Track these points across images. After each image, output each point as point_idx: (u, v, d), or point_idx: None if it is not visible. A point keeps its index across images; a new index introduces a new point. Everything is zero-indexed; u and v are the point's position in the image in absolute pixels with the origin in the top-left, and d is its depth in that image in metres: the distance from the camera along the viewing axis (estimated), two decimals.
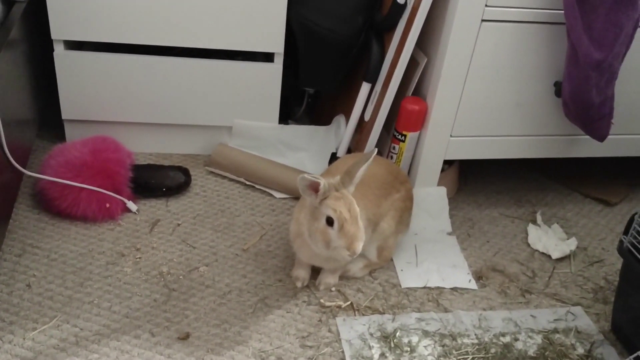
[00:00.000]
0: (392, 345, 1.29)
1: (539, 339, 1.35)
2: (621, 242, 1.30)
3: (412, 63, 1.60)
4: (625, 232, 1.29)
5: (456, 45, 1.48)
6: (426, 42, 1.59)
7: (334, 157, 1.78)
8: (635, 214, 1.27)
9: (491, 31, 1.47)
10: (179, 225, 1.56)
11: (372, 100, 1.69)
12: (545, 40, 1.51)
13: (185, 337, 1.25)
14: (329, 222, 1.21)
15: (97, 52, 1.66)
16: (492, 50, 1.50)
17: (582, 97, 1.48)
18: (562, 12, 1.43)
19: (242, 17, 1.63)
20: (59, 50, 1.63)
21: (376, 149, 1.27)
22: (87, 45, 1.69)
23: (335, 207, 1.20)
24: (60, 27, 1.59)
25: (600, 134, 1.60)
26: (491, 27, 1.46)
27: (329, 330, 1.32)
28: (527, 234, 1.69)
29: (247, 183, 1.75)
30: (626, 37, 1.43)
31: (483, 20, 1.45)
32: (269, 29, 1.65)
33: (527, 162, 1.96)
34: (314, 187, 1.21)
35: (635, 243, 1.26)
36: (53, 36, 1.60)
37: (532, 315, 1.41)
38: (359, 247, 1.21)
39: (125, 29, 1.61)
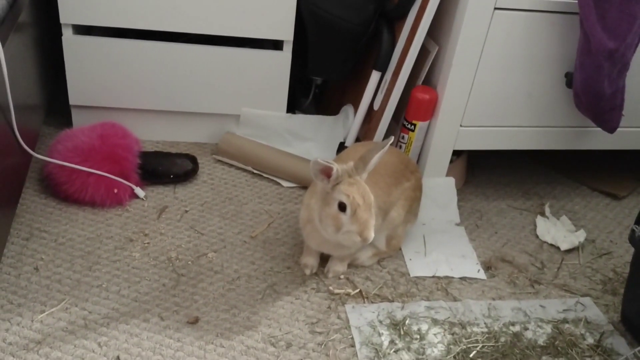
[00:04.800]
0: (402, 332, 1.28)
1: (548, 328, 1.35)
2: (633, 231, 1.29)
3: (423, 52, 1.60)
4: (637, 222, 1.28)
5: (468, 34, 1.47)
6: (437, 30, 1.58)
7: (342, 147, 1.77)
8: None
9: (504, 19, 1.46)
10: (186, 212, 1.55)
11: (381, 89, 1.69)
12: (557, 29, 1.50)
13: (194, 322, 1.24)
14: (342, 207, 1.20)
15: (105, 38, 1.65)
16: (504, 39, 1.49)
17: (594, 87, 1.48)
18: (576, 1, 1.42)
19: (252, 4, 1.62)
20: (67, 35, 1.62)
21: (392, 137, 1.25)
22: (96, 30, 1.69)
23: (349, 193, 1.19)
24: (69, 11, 1.58)
25: (610, 126, 1.59)
26: (504, 15, 1.46)
27: (338, 317, 1.31)
28: (535, 225, 1.68)
29: (255, 172, 1.74)
30: (639, 27, 1.43)
31: (496, 9, 1.44)
32: (278, 16, 1.64)
33: (535, 155, 1.96)
34: (327, 172, 1.20)
35: None
36: (62, 20, 1.59)
37: (541, 305, 1.41)
38: (371, 233, 1.20)
39: (134, 14, 1.60)
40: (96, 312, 1.24)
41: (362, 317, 1.31)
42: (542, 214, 1.73)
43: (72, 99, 1.71)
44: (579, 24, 1.44)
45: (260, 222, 1.56)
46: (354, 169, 1.22)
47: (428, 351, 1.25)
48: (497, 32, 1.48)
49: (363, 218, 1.19)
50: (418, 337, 1.28)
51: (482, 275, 1.48)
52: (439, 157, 1.66)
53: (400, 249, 1.52)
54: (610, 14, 1.38)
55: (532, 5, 1.46)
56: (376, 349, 1.24)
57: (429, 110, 1.61)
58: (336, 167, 1.19)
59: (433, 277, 1.46)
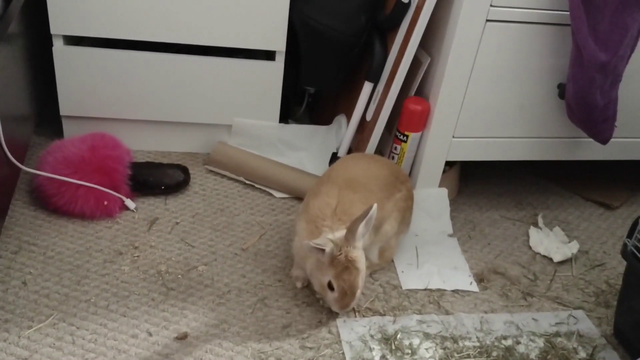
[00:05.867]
0: (393, 347, 1.27)
1: (540, 342, 1.34)
2: (625, 245, 1.29)
3: (415, 63, 1.59)
4: (629, 236, 1.28)
5: (460, 45, 1.47)
6: (429, 41, 1.58)
7: (334, 157, 1.76)
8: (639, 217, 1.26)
9: (496, 31, 1.46)
10: (177, 223, 1.54)
11: (374, 100, 1.68)
12: (549, 41, 1.50)
13: (183, 337, 1.23)
14: (330, 286, 1.26)
15: (96, 48, 1.64)
16: (496, 50, 1.49)
17: (586, 99, 1.47)
18: (567, 13, 1.42)
19: (244, 15, 1.61)
20: (58, 46, 1.61)
21: (375, 205, 1.24)
22: (87, 41, 1.67)
23: (339, 282, 1.24)
24: (60, 22, 1.57)
25: (603, 137, 1.59)
26: (496, 27, 1.45)
27: (329, 332, 1.30)
28: (528, 236, 1.67)
29: (247, 182, 1.73)
30: (631, 39, 1.42)
31: (488, 21, 1.44)
32: (270, 26, 1.64)
33: (529, 165, 1.96)
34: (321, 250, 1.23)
35: (639, 246, 1.25)
36: (52, 31, 1.58)
37: (533, 319, 1.40)
38: (350, 308, 1.29)
39: (125, 24, 1.59)
40: (84, 328, 1.22)
41: (353, 331, 1.30)
42: (535, 224, 1.73)
43: (63, 110, 1.70)
44: (571, 36, 1.43)
45: (251, 234, 1.55)
46: (345, 241, 1.23)
47: None
48: (489, 44, 1.47)
49: (346, 302, 1.26)
50: (409, 351, 1.27)
51: (474, 287, 1.48)
52: (431, 168, 1.65)
53: (392, 261, 1.51)
54: (602, 26, 1.38)
55: (523, 18, 1.45)
56: None
57: (421, 121, 1.60)
58: (328, 249, 1.22)
59: (425, 289, 1.45)
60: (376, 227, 1.38)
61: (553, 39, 1.50)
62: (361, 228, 1.23)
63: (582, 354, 1.32)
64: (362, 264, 1.26)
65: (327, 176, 1.44)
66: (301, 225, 1.35)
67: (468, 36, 1.46)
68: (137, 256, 1.42)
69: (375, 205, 1.24)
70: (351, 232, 1.23)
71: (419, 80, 1.61)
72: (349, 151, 1.78)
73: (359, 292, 1.27)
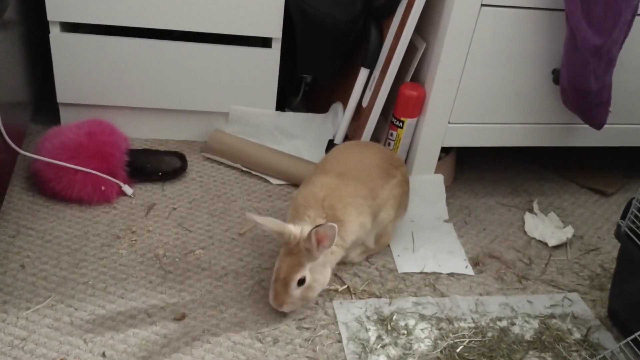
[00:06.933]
0: (389, 327, 1.28)
1: (535, 323, 1.35)
2: (618, 226, 1.30)
3: (411, 49, 1.60)
4: (623, 217, 1.29)
5: (455, 31, 1.48)
6: (425, 27, 1.59)
7: (331, 144, 1.77)
8: (633, 198, 1.27)
9: (490, 16, 1.47)
10: (174, 209, 1.55)
11: (370, 86, 1.69)
12: (544, 26, 1.51)
13: (181, 318, 1.24)
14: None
15: (93, 35, 1.64)
16: (491, 36, 1.50)
17: (580, 83, 1.48)
18: None
19: (240, 1, 1.62)
20: (54, 33, 1.61)
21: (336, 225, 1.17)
22: (84, 28, 1.68)
23: (280, 260, 1.23)
24: (56, 8, 1.57)
25: (597, 122, 1.60)
26: (491, 12, 1.46)
27: (326, 313, 1.31)
28: (523, 222, 1.69)
29: (244, 169, 1.74)
30: (625, 24, 1.44)
31: (483, 5, 1.45)
32: (266, 13, 1.64)
33: (524, 152, 1.97)
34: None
35: (633, 227, 1.26)
36: (49, 18, 1.59)
37: (528, 301, 1.41)
38: (280, 307, 1.24)
39: (122, 11, 1.59)
40: (82, 309, 1.23)
41: (349, 313, 1.31)
42: (531, 210, 1.74)
43: (60, 97, 1.70)
44: (565, 21, 1.44)
45: (248, 219, 1.55)
46: (305, 241, 1.20)
47: (415, 346, 1.25)
48: (484, 29, 1.48)
49: (276, 290, 1.23)
50: (405, 332, 1.28)
51: (469, 271, 1.49)
52: (427, 154, 1.66)
53: (388, 246, 1.52)
54: (596, 10, 1.39)
55: (518, 2, 1.46)
56: (363, 345, 1.24)
57: (417, 107, 1.61)
58: (262, 224, 1.21)
59: (421, 273, 1.46)
60: (373, 215, 1.39)
61: (548, 24, 1.51)
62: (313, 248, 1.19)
63: (577, 335, 1.33)
64: (311, 268, 1.22)
65: (322, 167, 1.43)
66: (289, 211, 1.36)
67: (463, 21, 1.47)
68: (135, 240, 1.43)
69: (336, 225, 1.17)
70: (308, 240, 1.19)
71: (414, 66, 1.62)
72: (346, 137, 1.79)
73: (295, 291, 1.22)
